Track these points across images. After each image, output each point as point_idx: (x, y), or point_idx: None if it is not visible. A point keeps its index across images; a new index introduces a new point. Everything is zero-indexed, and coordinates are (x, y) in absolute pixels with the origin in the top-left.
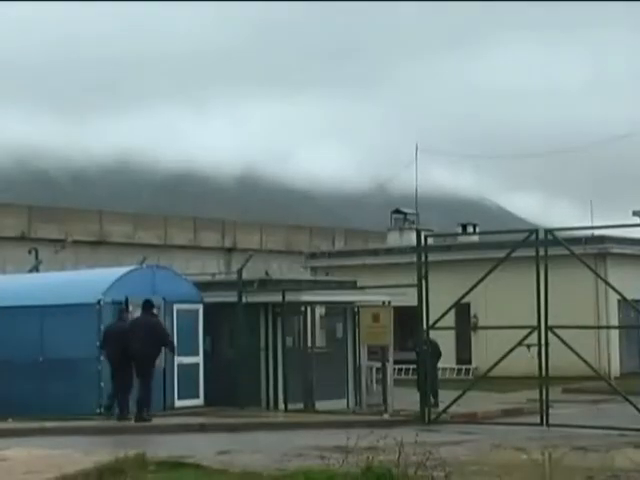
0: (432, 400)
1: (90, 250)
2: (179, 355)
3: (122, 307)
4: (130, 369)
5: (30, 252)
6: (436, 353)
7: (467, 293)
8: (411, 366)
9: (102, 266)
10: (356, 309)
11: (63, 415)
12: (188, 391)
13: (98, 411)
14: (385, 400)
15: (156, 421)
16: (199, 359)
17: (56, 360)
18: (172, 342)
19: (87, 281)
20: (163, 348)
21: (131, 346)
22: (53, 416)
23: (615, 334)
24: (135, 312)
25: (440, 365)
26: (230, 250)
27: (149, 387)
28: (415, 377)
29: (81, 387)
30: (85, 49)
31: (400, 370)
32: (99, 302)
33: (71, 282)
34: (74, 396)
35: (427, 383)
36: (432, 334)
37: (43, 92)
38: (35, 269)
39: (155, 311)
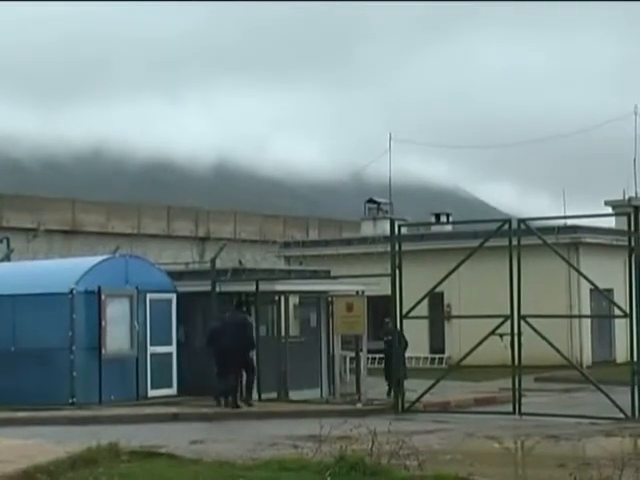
0: (391, 388)
1: (63, 239)
2: (152, 345)
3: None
4: (230, 362)
5: (2, 241)
6: (403, 342)
7: (440, 282)
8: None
9: (75, 255)
10: (330, 298)
11: (35, 405)
12: (161, 381)
13: (70, 401)
14: (359, 389)
15: (128, 411)
16: (172, 349)
17: (28, 350)
18: (252, 340)
19: (59, 270)
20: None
21: (225, 342)
22: (25, 406)
23: (587, 323)
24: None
25: (413, 354)
26: (204, 239)
27: (253, 375)
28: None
29: (54, 377)
30: (59, 37)
31: (374, 359)
32: (72, 291)
33: (43, 271)
34: (47, 386)
35: (394, 372)
36: (405, 323)
37: (16, 79)
38: (7, 258)
39: (244, 309)
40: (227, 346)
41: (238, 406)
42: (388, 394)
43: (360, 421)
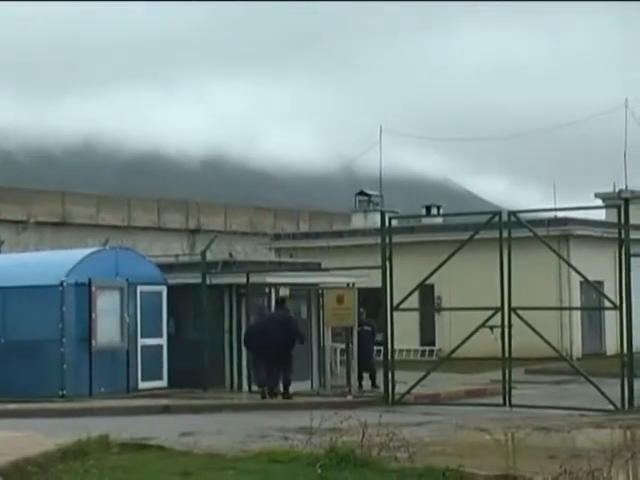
0: (362, 381)
1: (53, 231)
2: (142, 337)
3: (262, 304)
4: (268, 358)
5: None
6: (374, 334)
7: (431, 274)
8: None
9: (65, 247)
10: (320, 291)
11: (25, 397)
12: (152, 373)
13: (60, 393)
14: (349, 381)
15: (118, 403)
16: (163, 341)
17: (18, 342)
18: (301, 334)
19: (50, 262)
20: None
21: (270, 338)
22: (15, 398)
23: (577, 316)
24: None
25: (404, 347)
26: (194, 232)
27: (290, 370)
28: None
29: (44, 369)
30: (50, 28)
31: None
32: (62, 284)
33: (33, 263)
34: (37, 378)
35: (364, 363)
36: (396, 315)
37: (6, 71)
38: None
39: (288, 306)
40: (272, 341)
41: (275, 395)
42: (373, 385)
43: (350, 413)
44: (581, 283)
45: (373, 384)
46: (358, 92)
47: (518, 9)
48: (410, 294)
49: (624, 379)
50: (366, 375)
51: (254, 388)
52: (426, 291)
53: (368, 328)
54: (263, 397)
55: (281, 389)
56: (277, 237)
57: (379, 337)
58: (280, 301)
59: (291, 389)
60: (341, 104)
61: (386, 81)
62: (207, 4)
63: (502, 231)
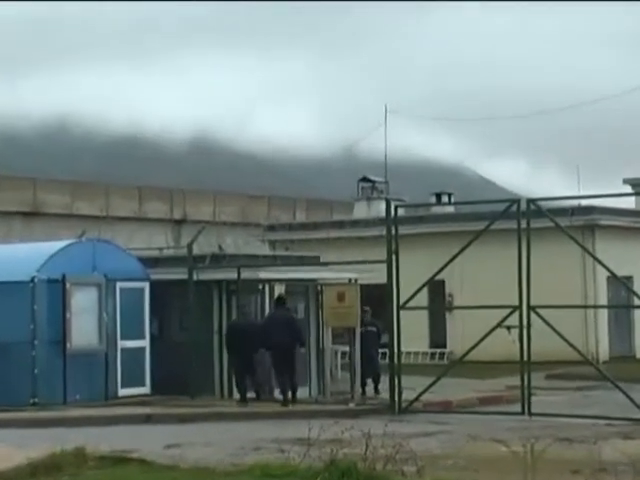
0: (365, 387)
1: (23, 222)
2: (123, 339)
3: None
4: (251, 359)
5: None
6: (379, 335)
7: (441, 269)
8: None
9: (36, 240)
10: (319, 287)
11: None
12: (133, 379)
13: (32, 401)
14: (352, 387)
15: (96, 412)
16: (145, 343)
17: None
18: (303, 337)
19: (19, 257)
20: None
21: (271, 339)
22: None
23: (604, 315)
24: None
25: (412, 349)
26: (179, 222)
27: (294, 374)
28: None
29: (13, 375)
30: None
31: None
32: (33, 280)
33: (1, 257)
34: (5, 385)
35: (368, 367)
36: (403, 315)
37: None
38: None
39: (288, 305)
40: (275, 344)
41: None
42: (375, 392)
43: (353, 422)
44: (608, 278)
45: (376, 390)
46: (361, 68)
47: None
48: (418, 291)
49: None
50: (370, 381)
51: (249, 395)
52: (436, 288)
53: (373, 329)
54: (244, 401)
55: (276, 395)
56: (271, 228)
57: (385, 339)
58: (280, 300)
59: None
60: (342, 81)
61: (392, 56)
62: None
63: (520, 221)
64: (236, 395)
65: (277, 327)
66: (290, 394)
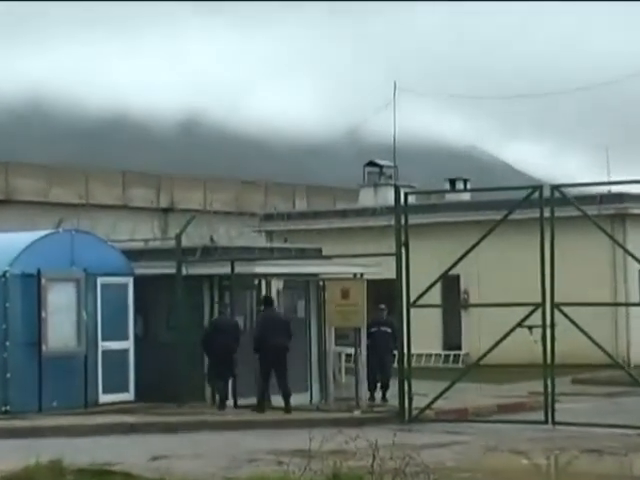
0: (373, 393)
1: None
2: (104, 340)
3: (224, 303)
4: (232, 361)
5: None
6: (395, 337)
7: (456, 263)
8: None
9: (9, 230)
10: (321, 283)
11: None
12: (115, 384)
13: (3, 409)
14: (357, 393)
15: (74, 420)
16: (129, 344)
17: None
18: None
19: None
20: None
21: (267, 340)
22: None
23: (636, 313)
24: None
25: (423, 351)
26: (167, 211)
27: (287, 379)
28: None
29: None
30: None
31: None
32: (4, 274)
33: None
34: None
35: (378, 371)
36: (413, 313)
37: None
38: None
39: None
40: (271, 345)
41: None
42: (383, 399)
43: (358, 432)
44: None
45: (383, 398)
46: (368, 42)
47: None
48: (431, 287)
49: None
50: (379, 386)
51: (240, 401)
52: (450, 283)
53: (387, 329)
54: (222, 408)
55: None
56: (268, 217)
57: None
58: (268, 301)
59: (283, 402)
60: (346, 56)
61: (402, 28)
62: None
63: (543, 210)
64: (230, 401)
65: (273, 328)
66: (285, 399)
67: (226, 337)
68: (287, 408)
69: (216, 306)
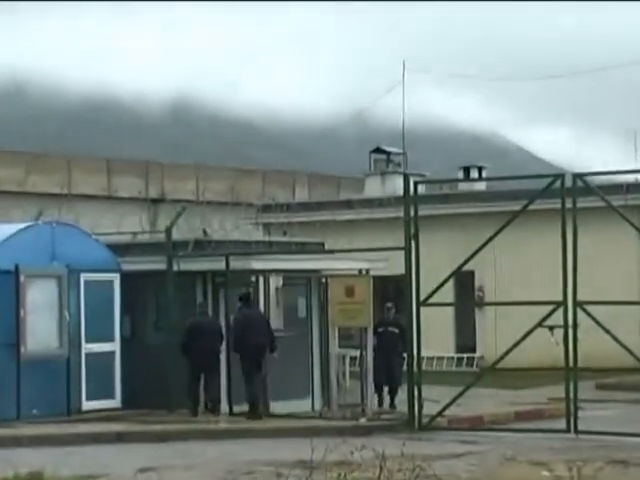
0: (381, 397)
1: None
2: (88, 342)
3: (202, 302)
4: (216, 363)
5: None
6: (403, 337)
7: (470, 258)
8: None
9: None
10: (324, 280)
11: None
12: (100, 389)
13: None
14: (363, 399)
15: (56, 429)
16: (115, 346)
17: None
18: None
19: None
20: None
21: (247, 341)
22: None
23: None
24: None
25: (435, 354)
26: (156, 201)
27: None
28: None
29: None
30: None
31: None
32: None
33: None
34: None
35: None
36: (423, 312)
37: None
38: None
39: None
40: (254, 346)
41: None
42: (391, 405)
43: (364, 441)
44: None
45: (391, 404)
46: (374, 18)
47: None
48: (443, 284)
49: None
50: (386, 391)
51: (235, 408)
52: (464, 280)
53: (394, 330)
54: (195, 414)
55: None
56: (266, 209)
57: None
58: (245, 298)
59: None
60: (351, 34)
61: (412, 9)
62: None
63: (565, 200)
64: (225, 408)
65: (253, 328)
66: (262, 406)
67: (207, 342)
68: (252, 413)
69: (210, 305)
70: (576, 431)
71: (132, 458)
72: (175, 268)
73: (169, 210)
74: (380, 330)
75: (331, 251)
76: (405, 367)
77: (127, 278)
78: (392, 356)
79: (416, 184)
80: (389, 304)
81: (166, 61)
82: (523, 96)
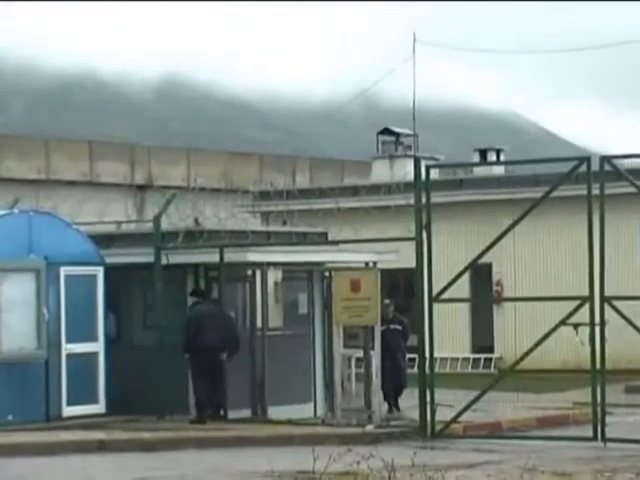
0: (391, 403)
1: None
2: (69, 342)
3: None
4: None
5: None
6: (405, 335)
7: (487, 249)
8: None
9: None
10: (327, 273)
11: None
12: (82, 394)
13: None
14: (369, 404)
15: (34, 437)
16: (98, 347)
17: None
18: (239, 340)
19: None
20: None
21: (197, 340)
22: None
23: None
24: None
25: (449, 354)
26: (143, 188)
27: (224, 385)
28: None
29: None
30: None
31: None
32: None
33: None
34: None
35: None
36: (436, 309)
37: None
38: None
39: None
40: (208, 347)
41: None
42: (389, 410)
43: (371, 450)
44: None
45: (395, 405)
46: None
47: None
48: (457, 278)
49: None
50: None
51: (231, 414)
52: (481, 273)
53: (397, 326)
54: (202, 422)
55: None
56: (264, 196)
57: (413, 340)
58: (197, 293)
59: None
60: (356, 5)
61: None
62: None
63: (592, 185)
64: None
65: (207, 326)
66: (222, 411)
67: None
68: (203, 418)
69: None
70: (603, 439)
71: (117, 469)
72: (164, 261)
73: (157, 197)
74: (383, 328)
75: (335, 242)
76: (416, 369)
77: (111, 272)
78: (397, 354)
79: (428, 168)
80: (387, 301)
81: (153, 34)
82: (547, 72)
